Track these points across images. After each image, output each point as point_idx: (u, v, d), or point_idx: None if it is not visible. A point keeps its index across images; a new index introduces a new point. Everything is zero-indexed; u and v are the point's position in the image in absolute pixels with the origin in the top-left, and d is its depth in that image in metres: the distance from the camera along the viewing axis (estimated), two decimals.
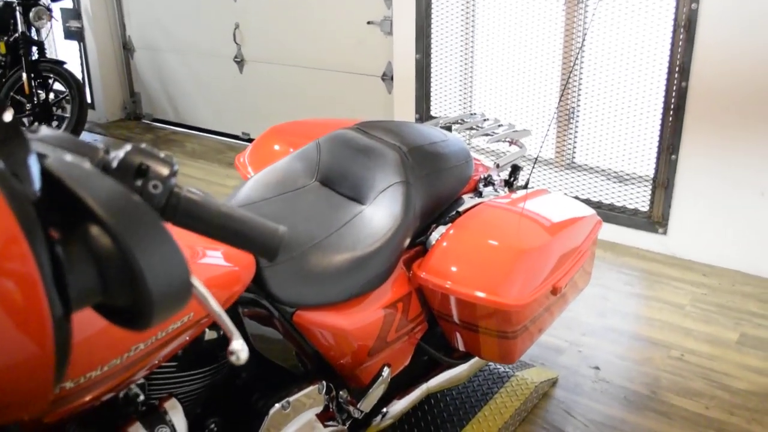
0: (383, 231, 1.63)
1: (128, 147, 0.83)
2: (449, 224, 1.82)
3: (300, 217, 1.68)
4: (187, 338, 1.17)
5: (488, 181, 2.08)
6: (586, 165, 3.65)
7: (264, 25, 4.94)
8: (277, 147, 2.19)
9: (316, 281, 1.52)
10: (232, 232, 0.88)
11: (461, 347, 1.84)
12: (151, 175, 0.81)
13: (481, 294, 1.64)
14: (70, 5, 5.74)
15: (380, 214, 1.68)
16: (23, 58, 4.94)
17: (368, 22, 4.36)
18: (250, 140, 5.32)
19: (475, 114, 2.48)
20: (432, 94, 4.06)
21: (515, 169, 2.25)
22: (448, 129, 2.29)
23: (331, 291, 1.55)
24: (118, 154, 0.82)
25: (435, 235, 1.81)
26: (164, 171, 0.82)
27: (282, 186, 1.78)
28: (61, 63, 5.03)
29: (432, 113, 4.08)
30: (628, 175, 3.53)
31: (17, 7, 4.97)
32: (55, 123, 5.08)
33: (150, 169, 0.81)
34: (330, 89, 4.73)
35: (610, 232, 3.53)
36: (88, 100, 6.02)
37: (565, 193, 3.02)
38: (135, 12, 5.66)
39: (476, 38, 3.89)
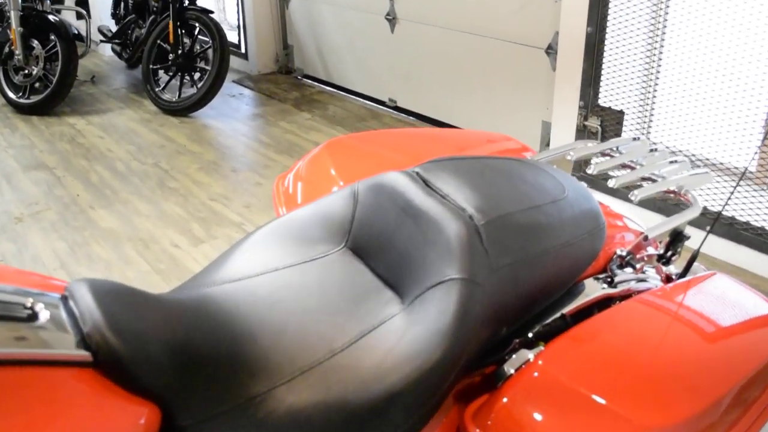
0: (417, 360, 1.01)
1: None
2: (543, 344, 1.16)
3: (304, 310, 1.10)
4: None
5: (627, 261, 1.35)
6: None
7: None
8: (333, 172, 1.60)
9: None
10: None
11: None
12: None
13: None
14: None
15: (418, 329, 1.05)
16: (171, 5, 4.70)
17: None
18: (396, 108, 4.77)
19: (637, 139, 1.69)
20: (603, 78, 3.24)
21: (676, 238, 1.48)
22: (584, 165, 1.59)
23: None
24: None
25: (516, 362, 1.14)
26: None
27: (296, 249, 1.21)
28: (207, 12, 4.74)
29: (600, 102, 3.27)
30: None
31: None
32: (197, 75, 4.83)
33: None
34: (487, 59, 4.03)
35: None
36: (242, 50, 5.76)
37: None
38: None
39: (670, 14, 3.01)
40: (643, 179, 1.54)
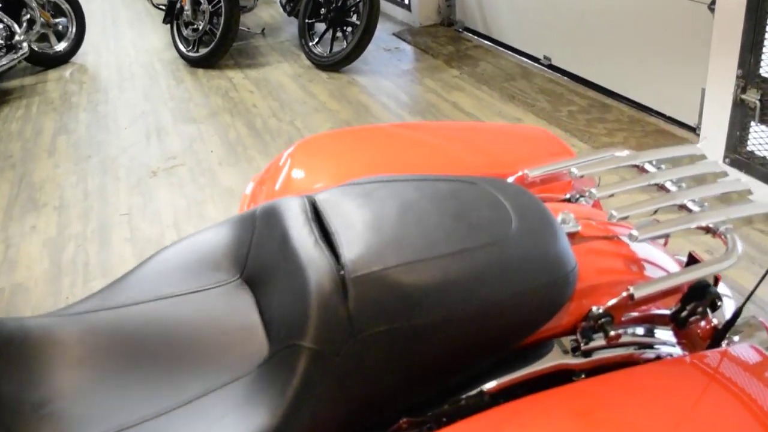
0: None
1: None
2: (434, 427, 0.93)
3: (167, 352, 0.97)
4: None
5: (600, 325, 1.03)
6: None
7: None
8: (302, 175, 1.39)
9: None
10: None
11: None
12: None
13: None
14: None
15: (247, 406, 0.88)
16: None
17: None
18: (550, 66, 4.36)
19: (702, 157, 1.28)
20: (767, 44, 2.66)
21: (697, 293, 1.12)
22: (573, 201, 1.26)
23: None
24: None
25: None
26: None
27: (193, 275, 1.07)
28: None
29: (762, 72, 2.69)
30: None
31: None
32: (349, 29, 4.75)
33: None
34: (647, 16, 3.50)
35: None
36: (406, 1, 5.58)
37: None
38: None
39: None
40: (681, 208, 1.17)
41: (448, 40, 5.14)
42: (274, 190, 1.30)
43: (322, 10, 4.78)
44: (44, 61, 5.63)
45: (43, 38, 5.69)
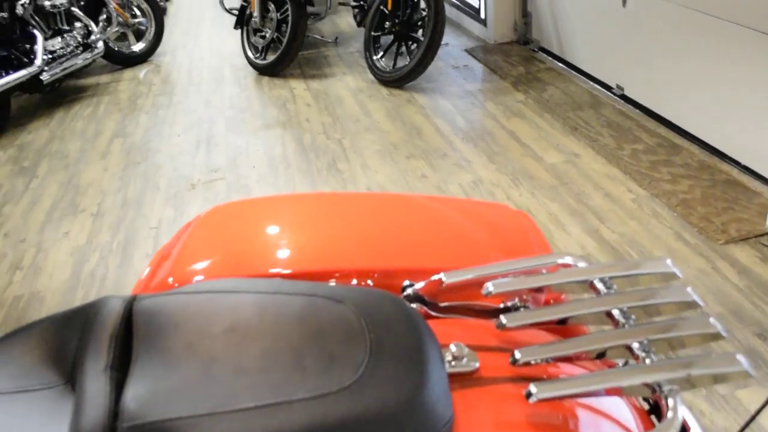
0: None
1: None
2: None
3: None
4: None
5: None
6: None
7: None
8: (190, 260, 1.20)
9: None
10: None
11: None
12: None
13: None
14: None
15: None
16: None
17: None
18: (622, 97, 4.03)
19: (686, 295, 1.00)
20: None
21: None
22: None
23: None
24: None
25: None
26: None
27: (22, 371, 0.93)
28: None
29: None
30: None
31: None
32: (414, 45, 4.57)
33: None
34: (734, 51, 3.15)
35: None
36: (482, 16, 5.34)
37: None
38: None
39: None
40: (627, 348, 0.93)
41: (521, 60, 4.87)
42: (154, 278, 1.14)
43: (387, 23, 4.62)
44: (122, 60, 5.74)
45: (122, 38, 5.81)
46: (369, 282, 1.10)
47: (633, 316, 0.93)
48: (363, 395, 0.75)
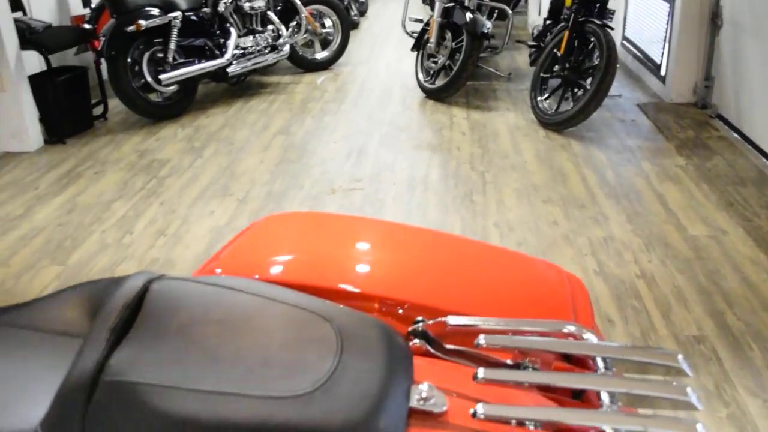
0: None
1: None
2: None
3: None
4: None
5: None
6: None
7: None
8: (243, 256, 1.29)
9: None
10: None
11: None
12: None
13: None
14: None
15: None
16: (573, 14, 4.43)
17: None
18: None
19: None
20: None
21: None
22: None
23: None
24: None
25: None
26: None
27: (63, 321, 1.06)
28: (606, 28, 4.32)
29: None
30: None
31: None
32: (579, 91, 4.49)
33: None
34: None
35: None
36: (662, 72, 5.14)
37: None
38: None
39: None
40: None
41: (693, 123, 4.62)
42: (205, 267, 1.24)
43: (557, 66, 4.57)
44: (304, 65, 6.12)
45: (309, 44, 6.19)
46: (382, 309, 1.13)
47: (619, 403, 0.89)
48: (311, 407, 0.79)
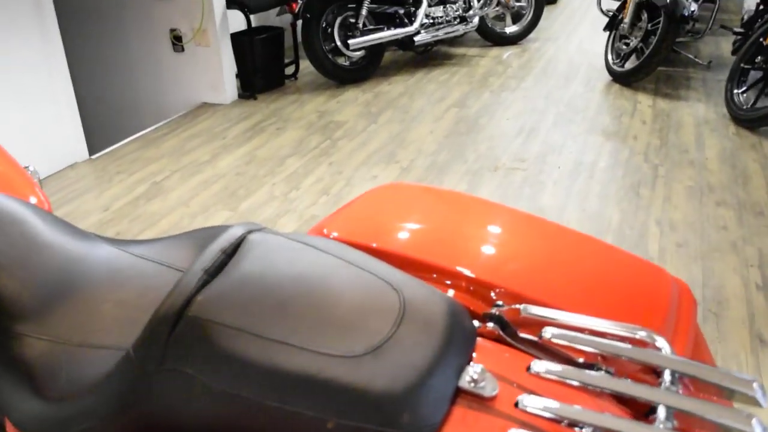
0: None
1: None
2: None
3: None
4: None
5: None
6: None
7: None
8: (352, 222, 1.32)
9: None
10: None
11: None
12: None
13: None
14: None
15: None
16: None
17: None
18: None
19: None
20: None
21: None
22: None
23: None
24: None
25: None
26: None
27: (174, 255, 1.20)
28: None
29: None
30: None
31: None
32: None
33: None
34: None
35: None
36: None
37: None
38: None
39: None
40: None
41: None
42: (318, 227, 1.32)
43: (760, 57, 4.18)
44: (493, 38, 6.07)
45: (499, 18, 6.12)
46: (468, 288, 1.15)
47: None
48: (358, 370, 0.85)
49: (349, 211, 1.38)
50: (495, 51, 6.00)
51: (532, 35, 6.25)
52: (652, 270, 1.25)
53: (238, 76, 5.04)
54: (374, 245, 1.23)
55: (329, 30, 5.05)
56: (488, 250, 1.23)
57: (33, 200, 1.39)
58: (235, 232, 1.07)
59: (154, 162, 4.04)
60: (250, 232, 1.08)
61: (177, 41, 4.83)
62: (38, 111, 3.84)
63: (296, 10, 4.98)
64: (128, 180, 3.83)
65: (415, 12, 5.30)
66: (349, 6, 5.04)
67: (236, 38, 4.90)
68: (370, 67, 5.33)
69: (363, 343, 0.88)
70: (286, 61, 5.29)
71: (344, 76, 5.25)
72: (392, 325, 0.91)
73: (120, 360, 0.94)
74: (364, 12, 5.03)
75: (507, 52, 5.94)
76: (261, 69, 5.01)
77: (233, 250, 1.05)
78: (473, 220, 1.32)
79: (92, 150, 4.22)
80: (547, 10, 7.12)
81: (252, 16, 4.98)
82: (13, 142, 3.70)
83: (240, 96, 5.03)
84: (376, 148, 4.09)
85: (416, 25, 5.26)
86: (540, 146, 4.04)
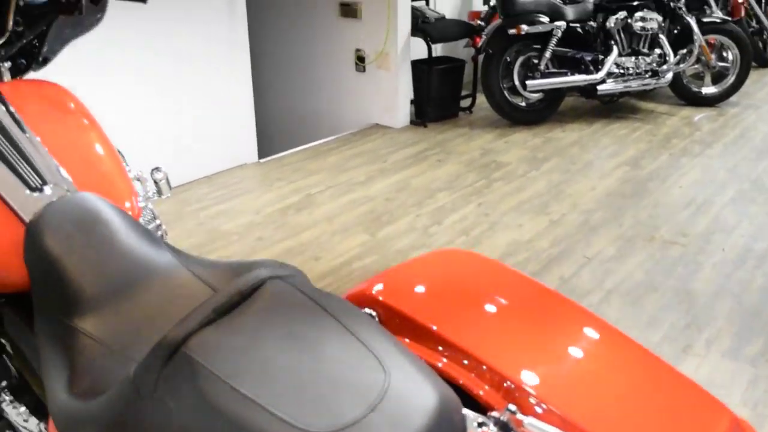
0: None
1: None
2: None
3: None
4: None
5: None
6: None
7: None
8: (395, 288, 1.29)
9: None
10: None
11: None
12: None
13: None
14: None
15: None
16: None
17: None
18: None
19: None
20: None
21: None
22: None
23: None
24: None
25: None
26: None
27: (213, 279, 1.24)
28: None
29: None
30: None
31: None
32: None
33: None
34: None
35: None
36: None
37: None
38: None
39: None
40: None
41: None
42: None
43: None
44: (686, 97, 5.70)
45: (698, 76, 5.74)
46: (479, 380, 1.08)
47: None
48: None
49: (400, 272, 1.35)
50: (686, 111, 5.62)
51: (732, 99, 5.78)
52: (714, 405, 1.10)
53: (413, 102, 5.12)
54: (407, 312, 1.19)
55: (510, 68, 5.00)
56: (528, 344, 1.15)
57: (127, 205, 1.49)
58: (257, 275, 1.07)
59: (314, 175, 4.21)
60: (271, 278, 1.08)
61: (360, 61, 5.01)
62: (220, 112, 4.14)
63: (479, 44, 4.98)
64: (285, 188, 4.01)
65: (602, 60, 5.10)
66: (534, 47, 4.95)
67: (416, 65, 4.99)
68: (546, 111, 5.21)
69: (328, 420, 0.84)
70: (464, 93, 5.30)
71: (518, 116, 5.16)
72: (366, 409, 0.86)
73: (127, 377, 0.98)
74: (548, 54, 4.92)
75: (699, 114, 5.54)
76: (436, 98, 5.06)
77: (250, 292, 1.05)
78: (525, 307, 1.23)
79: (262, 154, 4.47)
80: (756, 74, 6.57)
81: (438, 45, 5.04)
82: (193, 136, 4.03)
83: (412, 122, 5.11)
84: (531, 196, 3.97)
85: (602, 73, 5.06)
86: (708, 223, 3.72)
